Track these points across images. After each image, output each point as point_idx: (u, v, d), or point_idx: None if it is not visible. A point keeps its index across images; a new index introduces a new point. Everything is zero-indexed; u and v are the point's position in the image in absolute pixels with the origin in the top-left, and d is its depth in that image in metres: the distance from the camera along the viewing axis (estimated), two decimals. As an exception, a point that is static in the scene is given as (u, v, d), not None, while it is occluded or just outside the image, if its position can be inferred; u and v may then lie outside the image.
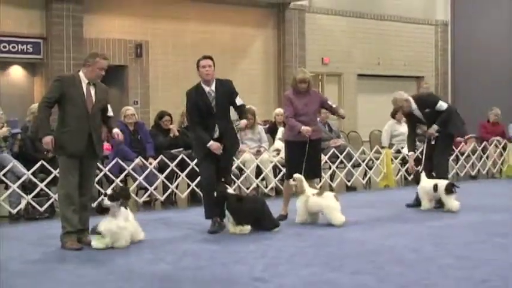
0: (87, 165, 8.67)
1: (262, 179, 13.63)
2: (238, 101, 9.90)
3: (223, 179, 9.78)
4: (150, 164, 12.39)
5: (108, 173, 11.96)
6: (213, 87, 9.74)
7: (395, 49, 25.39)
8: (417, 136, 12.43)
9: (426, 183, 11.23)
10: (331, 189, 14.66)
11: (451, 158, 15.12)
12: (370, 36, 24.77)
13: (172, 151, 12.94)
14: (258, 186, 13.46)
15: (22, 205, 11.26)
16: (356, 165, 15.05)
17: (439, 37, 26.75)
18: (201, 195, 12.84)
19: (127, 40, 20.00)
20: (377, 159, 15.29)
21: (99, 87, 8.75)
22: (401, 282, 6.27)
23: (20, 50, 18.58)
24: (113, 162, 12.04)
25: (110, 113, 8.99)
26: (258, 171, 13.54)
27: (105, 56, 8.93)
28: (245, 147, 13.53)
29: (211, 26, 21.27)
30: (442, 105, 11.38)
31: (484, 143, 16.89)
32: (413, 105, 11.41)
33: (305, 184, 10.08)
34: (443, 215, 10.74)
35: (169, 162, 12.55)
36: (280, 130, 14.60)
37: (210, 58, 9.86)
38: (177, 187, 12.91)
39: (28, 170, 11.25)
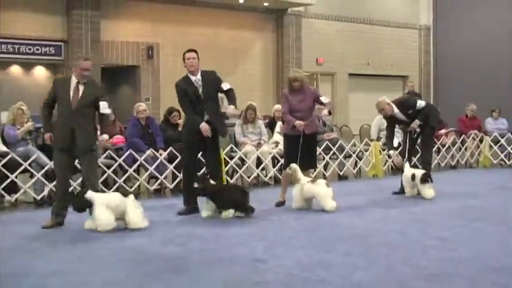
0: (82, 159, 8.75)
1: (262, 169, 13.62)
2: (225, 85, 9.88)
3: (206, 172, 9.81)
4: (160, 155, 12.38)
5: (122, 163, 11.97)
6: (199, 76, 9.78)
7: (383, 51, 25.43)
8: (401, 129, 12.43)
9: (408, 172, 11.28)
10: (325, 177, 14.71)
11: (434, 149, 15.12)
12: (360, 39, 24.80)
13: (180, 143, 12.94)
14: (258, 175, 13.46)
15: (45, 192, 11.26)
16: (347, 156, 15.03)
17: (422, 40, 26.83)
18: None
19: (139, 42, 20.01)
20: (366, 151, 15.30)
21: (89, 86, 8.74)
22: (388, 263, 6.28)
23: (43, 52, 18.62)
24: (127, 153, 12.04)
25: (103, 110, 8.83)
26: (258, 162, 13.54)
27: (86, 57, 9.02)
28: (247, 140, 13.54)
29: (215, 29, 21.28)
30: (421, 103, 11.54)
31: (463, 136, 16.89)
32: (396, 110, 11.50)
33: (300, 173, 10.10)
34: (425, 202, 10.75)
35: (177, 154, 12.54)
36: (279, 124, 14.60)
37: (194, 51, 9.88)
38: (185, 176, 12.91)
39: (50, 160, 11.26)
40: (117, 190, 11.84)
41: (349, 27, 24.60)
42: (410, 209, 10.03)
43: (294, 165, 10.09)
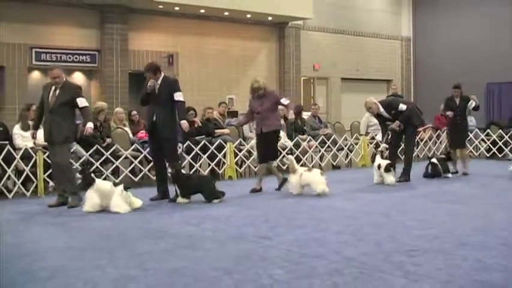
0: (58, 148, 9.06)
1: (267, 160, 13.62)
2: (177, 96, 9.45)
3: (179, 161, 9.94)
4: (179, 148, 12.38)
5: (147, 154, 11.97)
6: (159, 81, 9.54)
7: (370, 58, 25.39)
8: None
9: (377, 162, 11.41)
10: (321, 168, 14.71)
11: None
12: (351, 48, 24.77)
13: (196, 138, 12.95)
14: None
15: (82, 179, 11.30)
16: (340, 149, 15.04)
17: (404, 49, 26.80)
18: (219, 172, 12.95)
19: (161, 51, 19.97)
20: (356, 144, 15.31)
21: (64, 88, 9.08)
22: (375, 240, 6.28)
23: (80, 60, 18.62)
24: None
25: (82, 104, 9.09)
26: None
27: (51, 68, 9.45)
28: (252, 135, 13.51)
29: (226, 40, 21.24)
30: (403, 106, 11.55)
31: (438, 131, 16.89)
32: (381, 109, 11.59)
33: (296, 164, 10.06)
34: (406, 187, 10.76)
35: (194, 147, 12.55)
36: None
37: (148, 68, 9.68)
38: (200, 166, 12.92)
39: (87, 152, 11.28)
40: (142, 178, 11.91)
41: (341, 38, 24.58)
42: (394, 193, 10.04)
43: (290, 157, 10.07)
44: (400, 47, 26.81)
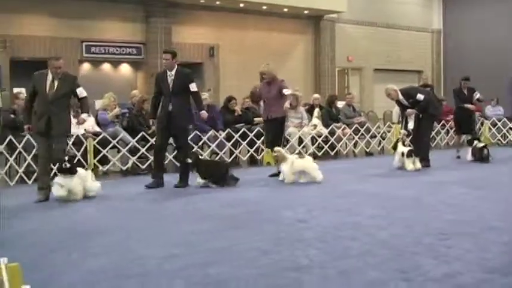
0: (55, 141, 8.26)
1: (303, 147, 13.63)
2: (192, 87, 9.27)
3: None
4: (220, 135, 12.47)
5: (190, 142, 12.06)
6: (173, 72, 9.24)
7: (402, 50, 25.20)
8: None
9: (400, 149, 11.31)
10: (354, 154, 14.69)
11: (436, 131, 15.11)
12: (383, 40, 24.60)
13: (237, 126, 13.00)
14: (300, 152, 13.46)
15: (129, 164, 11.46)
16: (373, 137, 14.98)
17: (434, 41, 26.54)
18: (257, 158, 12.98)
19: (203, 44, 20.09)
20: (389, 132, 15.23)
21: (63, 79, 8.32)
22: (406, 223, 6.25)
23: (127, 52, 18.87)
24: (193, 134, 12.14)
25: (81, 94, 8.43)
26: (300, 141, 13.55)
27: (57, 57, 8.42)
28: (290, 123, 13.52)
29: (264, 33, 21.25)
30: (420, 96, 11.43)
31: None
32: (400, 96, 11.50)
33: (285, 153, 9.85)
34: (434, 173, 10.64)
35: (234, 134, 12.61)
36: (316, 110, 14.57)
37: (169, 52, 9.37)
38: (240, 152, 12.98)
39: (133, 138, 11.42)
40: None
41: (374, 31, 24.41)
42: (423, 178, 9.96)
43: (278, 148, 9.87)
44: (430, 39, 26.52)
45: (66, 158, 8.09)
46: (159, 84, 9.34)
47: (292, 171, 9.55)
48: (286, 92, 10.32)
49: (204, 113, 9.46)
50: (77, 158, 10.66)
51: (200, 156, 10.20)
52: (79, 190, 8.16)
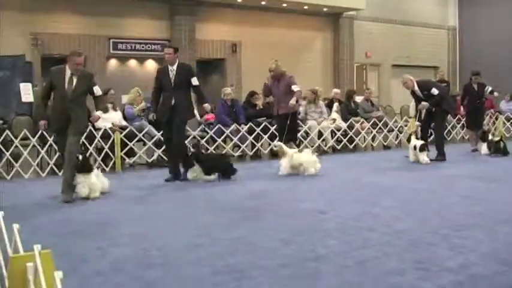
0: (71, 138, 7.76)
1: (323, 140, 13.61)
2: (194, 81, 9.16)
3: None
4: (242, 128, 12.49)
5: (213, 135, 12.12)
6: (175, 67, 9.16)
7: (419, 46, 25.09)
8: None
9: (413, 143, 11.23)
10: (372, 147, 14.64)
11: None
12: (400, 37, 24.48)
13: (258, 119, 13.01)
14: (319, 145, 13.44)
15: (154, 156, 11.52)
16: (390, 130, 14.91)
17: (450, 38, 26.45)
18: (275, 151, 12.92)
19: (226, 40, 20.10)
20: (406, 126, 15.12)
21: (81, 76, 7.88)
22: (422, 215, 6.24)
23: (152, 48, 18.93)
24: (216, 127, 12.18)
25: (98, 92, 8.09)
26: (320, 135, 13.52)
27: (79, 53, 7.93)
28: (310, 117, 13.51)
29: (285, 30, 21.21)
30: (434, 91, 11.31)
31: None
32: (416, 87, 11.41)
33: (285, 147, 9.73)
34: (449, 167, 10.56)
35: (256, 128, 12.63)
36: (335, 105, 14.53)
37: (172, 47, 9.38)
38: (261, 145, 13.00)
39: (158, 132, 11.48)
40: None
41: (392, 27, 24.29)
42: (439, 172, 9.90)
43: (278, 143, 9.84)
44: (446, 36, 26.36)
45: (80, 156, 7.78)
46: (160, 79, 9.29)
47: (292, 165, 9.57)
48: (294, 88, 10.21)
49: (207, 106, 9.46)
50: (104, 151, 10.77)
51: (203, 151, 10.12)
52: (98, 187, 7.95)
